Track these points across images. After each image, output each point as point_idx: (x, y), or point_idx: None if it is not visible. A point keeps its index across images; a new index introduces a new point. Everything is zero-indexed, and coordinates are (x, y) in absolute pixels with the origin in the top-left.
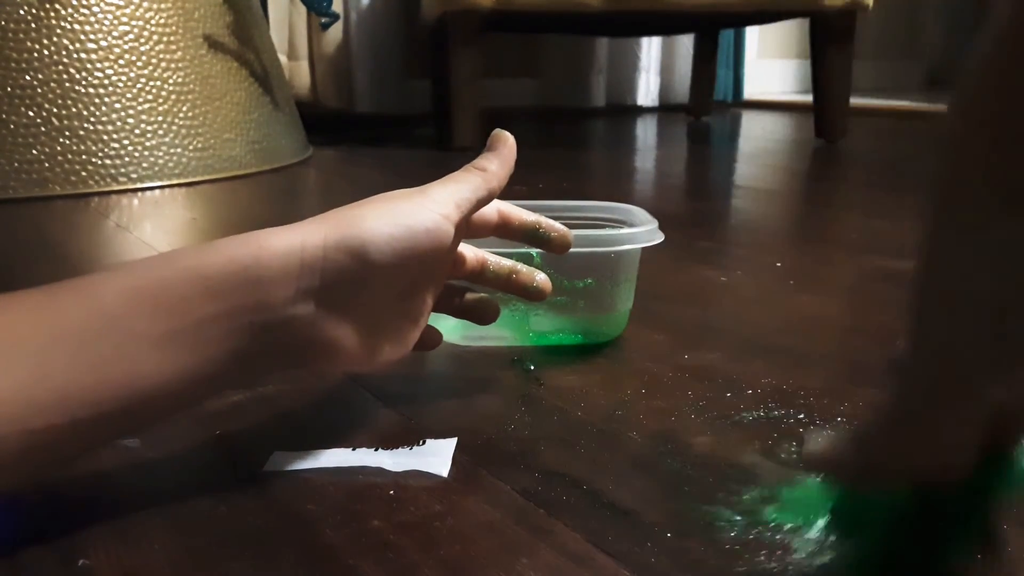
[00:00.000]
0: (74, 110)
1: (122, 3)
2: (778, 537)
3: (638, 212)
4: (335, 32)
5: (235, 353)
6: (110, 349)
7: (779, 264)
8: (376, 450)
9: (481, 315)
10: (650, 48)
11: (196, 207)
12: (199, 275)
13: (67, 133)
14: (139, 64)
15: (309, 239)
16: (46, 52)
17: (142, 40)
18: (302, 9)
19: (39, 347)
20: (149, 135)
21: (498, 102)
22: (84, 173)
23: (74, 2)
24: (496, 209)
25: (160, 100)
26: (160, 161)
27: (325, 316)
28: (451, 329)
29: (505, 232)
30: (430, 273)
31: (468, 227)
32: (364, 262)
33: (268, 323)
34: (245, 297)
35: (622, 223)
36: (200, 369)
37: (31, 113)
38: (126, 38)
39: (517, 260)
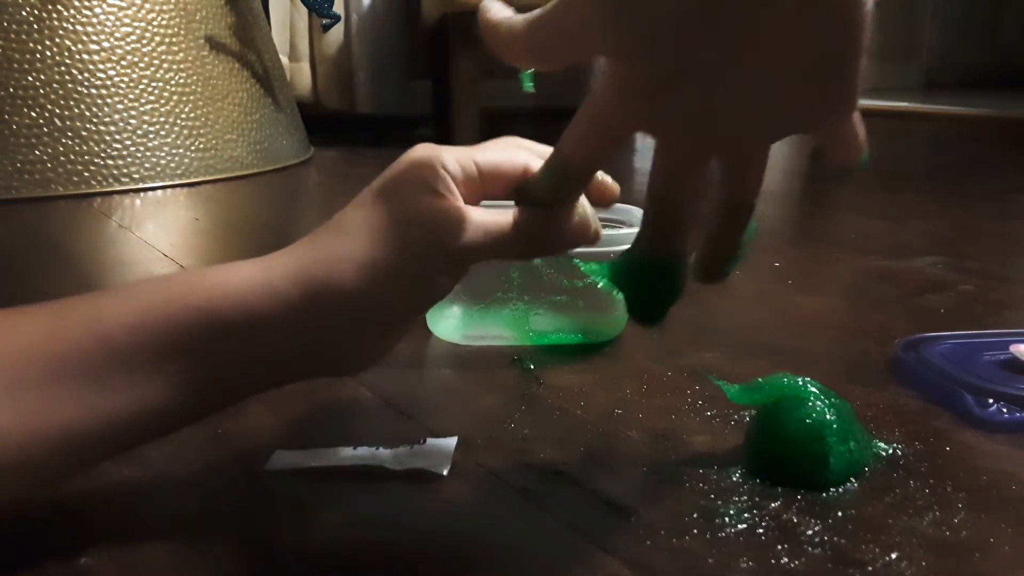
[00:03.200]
0: (76, 111)
1: (124, 4)
2: (777, 535)
3: (638, 212)
4: (336, 33)
5: (243, 385)
6: (119, 386)
7: (777, 264)
8: (377, 449)
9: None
10: None
11: (198, 207)
12: (213, 319)
13: (69, 134)
14: (141, 65)
15: (330, 278)
16: (48, 53)
17: (144, 41)
18: (303, 10)
19: (47, 378)
20: (151, 136)
21: (498, 102)
22: (86, 173)
23: (76, 3)
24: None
25: (162, 101)
26: (162, 161)
27: (330, 339)
28: (451, 329)
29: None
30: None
31: (483, 186)
32: (363, 288)
33: (276, 356)
34: (261, 345)
35: (622, 223)
36: (208, 402)
37: (33, 114)
38: (128, 39)
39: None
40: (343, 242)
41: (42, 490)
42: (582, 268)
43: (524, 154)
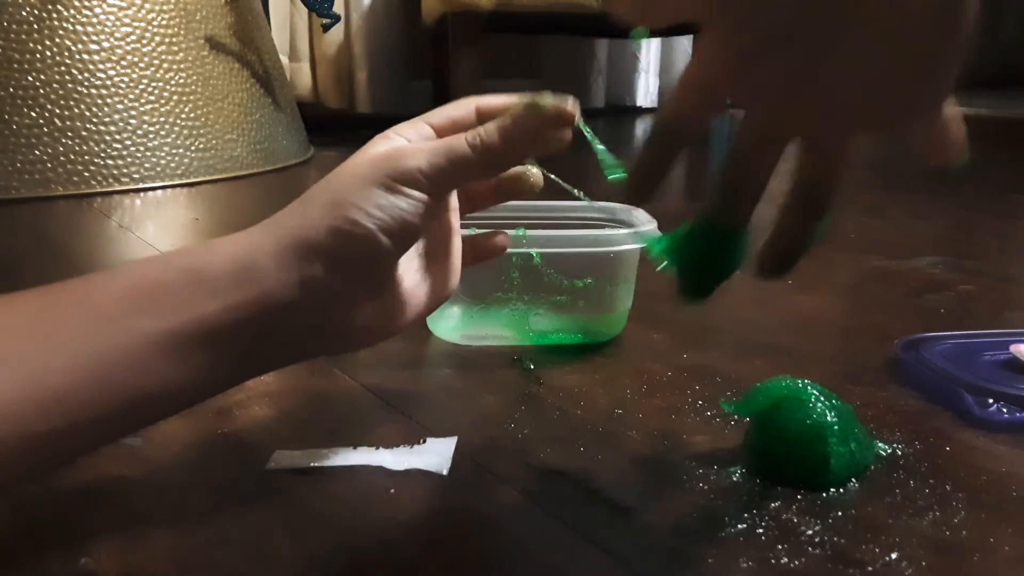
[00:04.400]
0: (76, 111)
1: (124, 4)
2: (777, 535)
3: (638, 212)
4: (336, 33)
5: (239, 350)
6: (111, 352)
7: None
8: (377, 449)
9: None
10: (649, 49)
11: (198, 207)
12: (198, 276)
13: (69, 134)
14: (141, 65)
15: (302, 228)
16: (48, 53)
17: (144, 41)
18: (303, 10)
19: (38, 350)
20: (151, 136)
21: None
22: (86, 173)
23: (76, 3)
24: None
25: (162, 101)
26: (162, 161)
27: (329, 299)
28: (451, 329)
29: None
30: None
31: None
32: (366, 240)
33: (270, 317)
34: (246, 293)
35: (622, 223)
36: (203, 369)
37: (33, 114)
38: (128, 39)
39: (517, 260)
40: (317, 196)
41: (44, 475)
42: (646, 243)
43: (472, 99)
